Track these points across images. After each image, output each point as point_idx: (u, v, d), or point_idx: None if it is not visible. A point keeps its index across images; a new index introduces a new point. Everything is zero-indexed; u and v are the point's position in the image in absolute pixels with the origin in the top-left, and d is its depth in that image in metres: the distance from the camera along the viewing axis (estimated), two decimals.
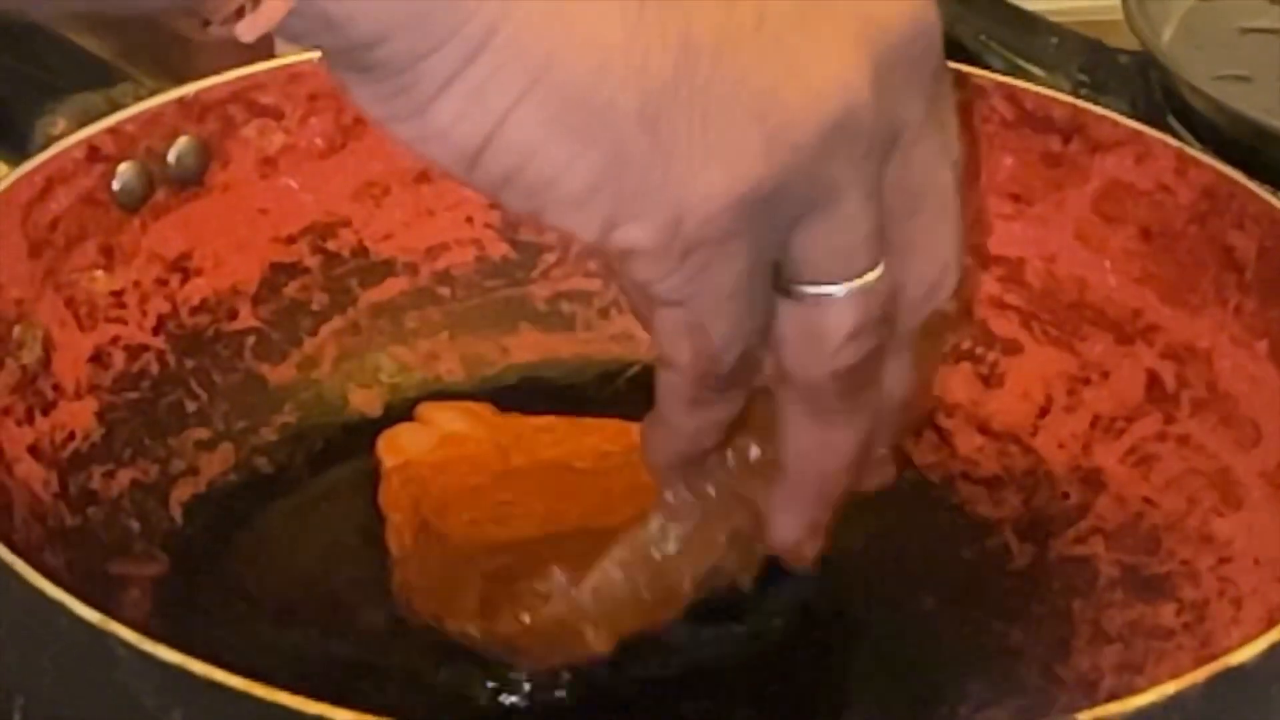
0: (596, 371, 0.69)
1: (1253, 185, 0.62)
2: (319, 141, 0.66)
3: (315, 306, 0.67)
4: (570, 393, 0.68)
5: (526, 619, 0.55)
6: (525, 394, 0.67)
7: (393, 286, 0.68)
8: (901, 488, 0.63)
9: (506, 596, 0.55)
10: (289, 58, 0.65)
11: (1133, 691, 0.44)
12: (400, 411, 0.66)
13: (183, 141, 0.63)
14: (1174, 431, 0.62)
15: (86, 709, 0.47)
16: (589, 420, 0.64)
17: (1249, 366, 0.60)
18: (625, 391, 0.68)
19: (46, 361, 0.59)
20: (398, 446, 0.62)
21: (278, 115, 0.65)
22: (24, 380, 0.58)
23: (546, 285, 0.70)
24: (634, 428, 0.63)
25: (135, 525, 0.60)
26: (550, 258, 0.69)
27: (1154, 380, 0.63)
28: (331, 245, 0.67)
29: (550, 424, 0.64)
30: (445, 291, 0.69)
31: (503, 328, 0.69)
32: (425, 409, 0.64)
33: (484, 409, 0.64)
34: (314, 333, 0.67)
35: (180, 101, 0.63)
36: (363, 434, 0.65)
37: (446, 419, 0.63)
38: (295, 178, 0.66)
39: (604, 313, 0.69)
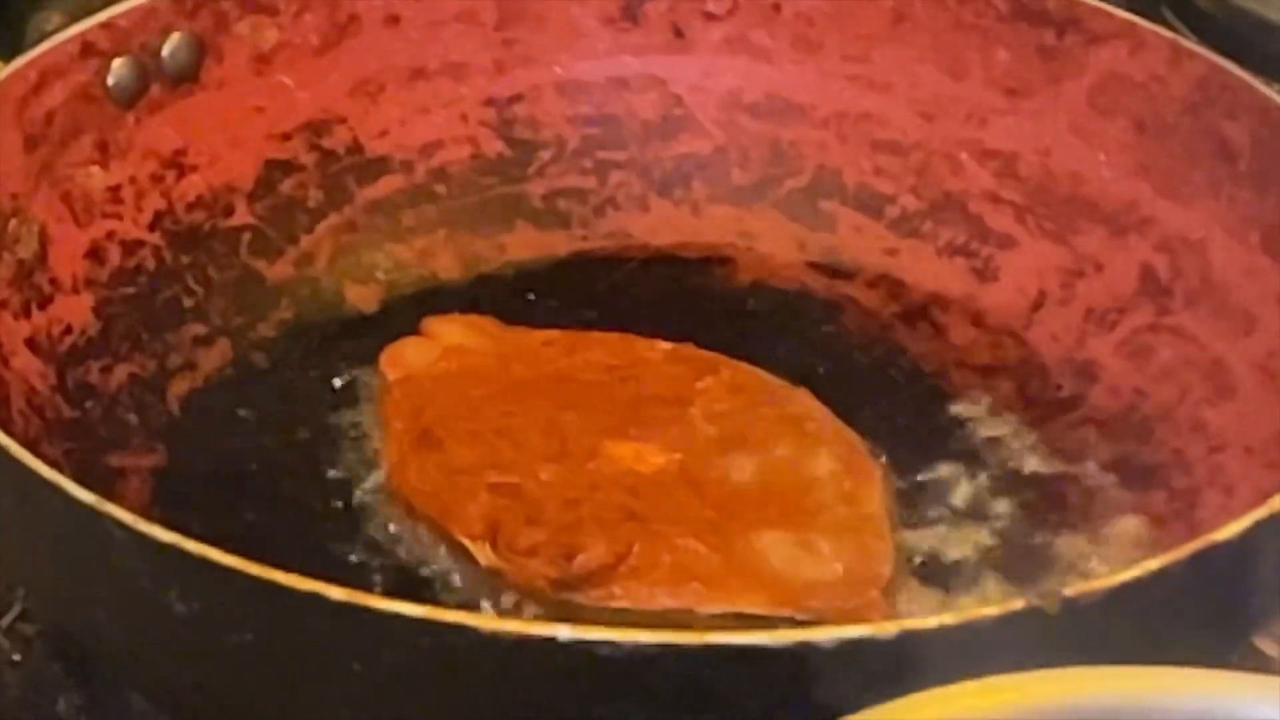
0: (593, 268, 0.69)
1: (1246, 76, 0.62)
2: (313, 38, 0.66)
3: (311, 203, 0.67)
4: (566, 290, 0.68)
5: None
6: (521, 291, 0.68)
7: (389, 184, 0.68)
8: (894, 376, 0.65)
9: (511, 520, 0.56)
10: None
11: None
12: (396, 308, 0.66)
13: (176, 37, 0.63)
14: (1167, 323, 0.62)
15: (86, 593, 0.47)
16: (593, 333, 0.64)
17: (1242, 257, 0.60)
18: (621, 287, 0.68)
19: (43, 256, 0.60)
20: (401, 360, 0.63)
21: (272, 11, 0.65)
22: (20, 274, 0.59)
23: (541, 183, 0.70)
24: (638, 342, 0.64)
25: (133, 419, 0.60)
26: (545, 155, 0.70)
27: (1148, 272, 0.63)
28: (327, 142, 0.67)
29: (554, 337, 0.64)
30: (441, 189, 0.69)
31: (499, 225, 0.69)
32: (430, 322, 0.64)
33: (488, 322, 0.64)
34: (310, 230, 0.67)
35: None
36: (359, 330, 0.65)
37: (450, 332, 0.64)
38: (290, 75, 0.66)
39: (599, 210, 0.70)
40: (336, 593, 0.41)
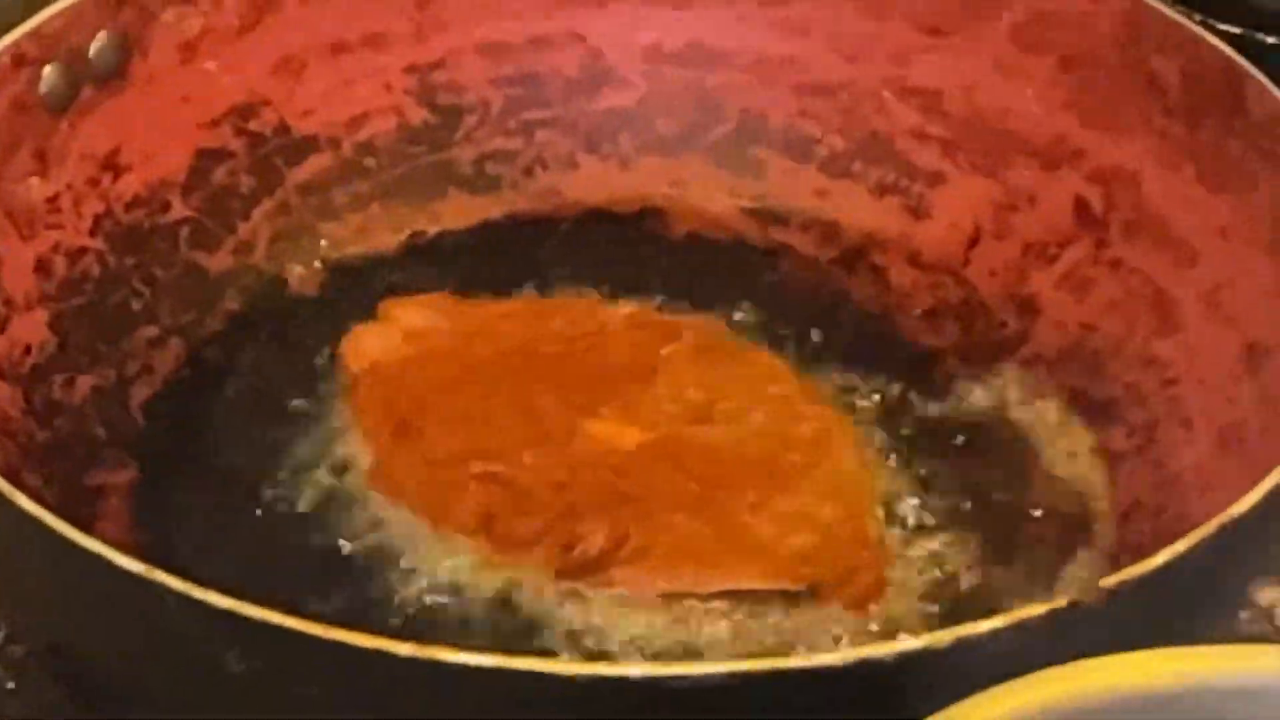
0: (528, 230, 0.69)
1: (1171, 11, 0.63)
2: (235, 20, 0.66)
3: (244, 190, 0.66)
4: (504, 254, 0.68)
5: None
6: (461, 259, 0.68)
7: (317, 163, 0.68)
8: (842, 322, 0.66)
9: (503, 510, 0.56)
10: None
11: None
12: (339, 287, 0.66)
13: (103, 36, 0.62)
14: (1106, 255, 0.64)
15: (125, 651, 0.47)
16: (551, 301, 0.65)
17: (1178, 189, 0.62)
18: (558, 247, 0.68)
19: None
20: (361, 351, 0.63)
21: None
22: None
23: (470, 147, 0.69)
24: (597, 308, 0.64)
25: (101, 432, 0.60)
26: (472, 120, 0.69)
27: (1082, 205, 0.65)
28: (254, 126, 0.67)
29: (512, 309, 0.64)
30: (370, 163, 0.68)
31: (431, 194, 0.69)
32: (386, 306, 0.64)
33: (443, 299, 0.65)
34: (246, 217, 0.66)
35: None
36: (307, 315, 0.65)
37: (407, 315, 0.64)
38: (214, 60, 0.65)
39: (528, 170, 0.70)
40: (404, 648, 0.42)
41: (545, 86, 0.70)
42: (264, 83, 0.67)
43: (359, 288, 0.66)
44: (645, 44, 0.70)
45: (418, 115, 0.69)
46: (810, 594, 0.56)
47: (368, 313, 0.65)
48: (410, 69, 0.69)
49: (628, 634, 0.54)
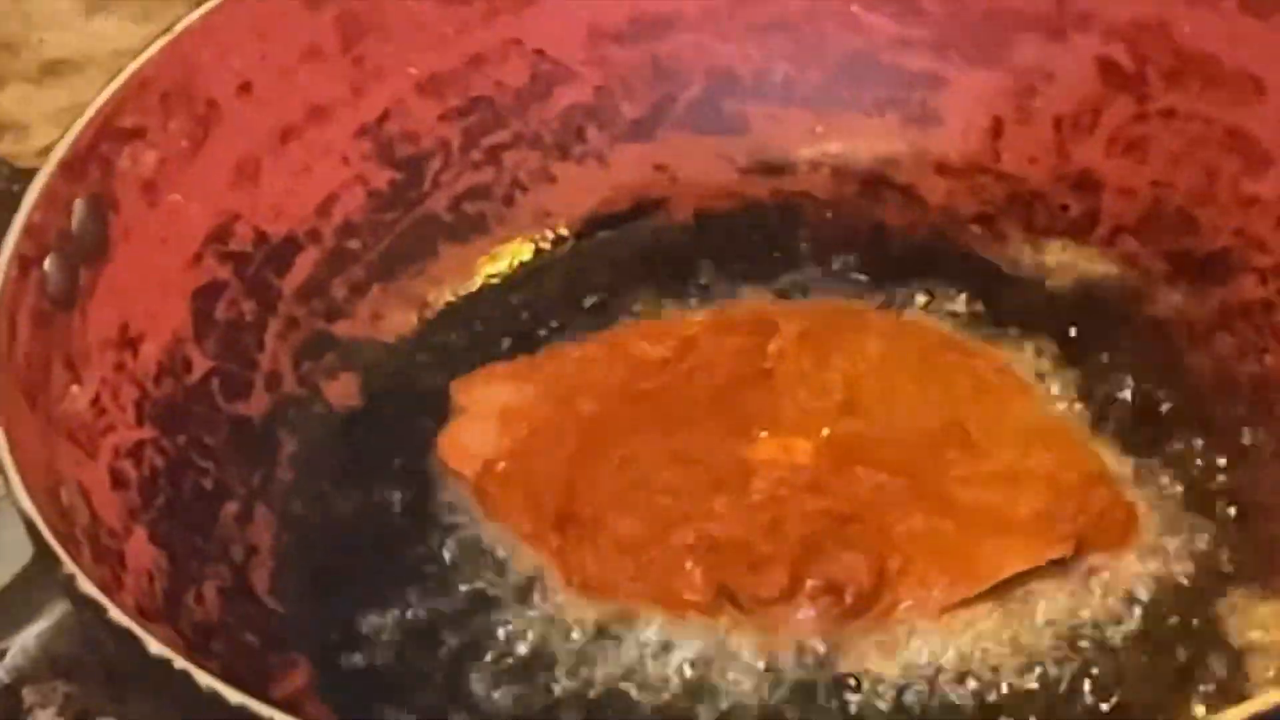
0: (534, 263, 0.63)
1: None
2: (184, 141, 0.58)
3: (249, 317, 0.59)
4: (523, 296, 0.62)
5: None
6: (481, 314, 0.62)
7: (305, 261, 0.61)
8: (894, 252, 0.63)
9: (734, 572, 0.52)
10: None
11: None
12: (381, 388, 0.60)
13: (79, 206, 0.54)
14: (1154, 109, 0.62)
15: None
16: (618, 330, 0.60)
17: (1218, 25, 0.60)
18: (574, 272, 0.63)
19: (93, 512, 0.51)
20: (463, 450, 0.57)
21: (141, 132, 0.57)
22: (94, 544, 0.50)
23: (442, 194, 0.63)
24: (670, 324, 0.60)
25: (252, 639, 0.53)
26: (435, 164, 0.63)
27: (1108, 66, 0.62)
28: (234, 245, 0.59)
29: (587, 350, 0.59)
30: (355, 244, 0.62)
31: (424, 257, 0.63)
32: (459, 389, 0.58)
33: (515, 364, 0.59)
34: (260, 346, 0.59)
35: (61, 166, 0.54)
36: (363, 432, 0.59)
37: (489, 395, 0.58)
38: (177, 190, 0.58)
39: (508, 200, 0.64)
40: None
41: (497, 105, 0.64)
42: (228, 197, 0.59)
43: (403, 383, 0.60)
44: (585, 30, 0.64)
45: (381, 178, 0.62)
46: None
47: (434, 406, 0.59)
48: (360, 132, 0.62)
49: (932, 659, 0.51)
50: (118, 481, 0.53)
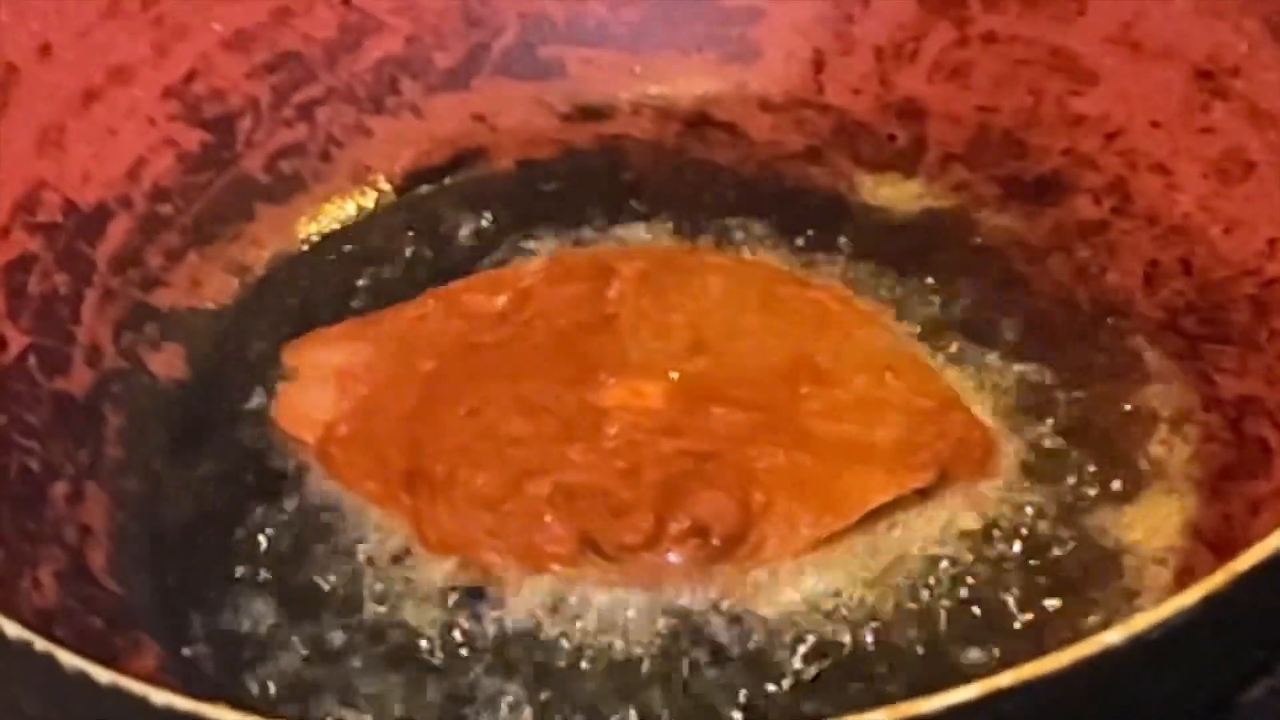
0: (354, 219, 0.61)
1: None
2: None
3: (63, 291, 0.57)
4: (346, 254, 0.60)
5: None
6: (305, 278, 0.60)
7: (117, 229, 0.58)
8: (723, 190, 0.62)
9: (597, 521, 0.51)
10: None
11: None
12: (207, 357, 0.58)
13: None
14: (974, 32, 0.61)
15: None
16: (451, 288, 0.58)
17: None
18: (392, 227, 0.61)
19: None
20: (301, 415, 0.54)
21: None
22: None
23: (256, 153, 0.61)
24: (503, 276, 0.58)
25: (98, 622, 0.50)
26: (246, 123, 0.61)
27: None
28: (43, 216, 0.57)
29: (422, 306, 0.57)
30: (167, 209, 0.60)
31: (241, 220, 0.60)
32: (291, 353, 0.56)
33: (346, 325, 0.57)
34: (78, 319, 0.57)
35: None
36: (194, 399, 0.57)
37: (322, 357, 0.56)
38: None
39: (324, 155, 0.62)
40: None
41: (305, 59, 0.62)
42: (34, 165, 0.57)
43: (230, 351, 0.58)
44: None
45: (191, 139, 0.60)
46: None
47: (264, 373, 0.57)
48: (166, 93, 0.60)
49: (814, 593, 0.50)
50: None
